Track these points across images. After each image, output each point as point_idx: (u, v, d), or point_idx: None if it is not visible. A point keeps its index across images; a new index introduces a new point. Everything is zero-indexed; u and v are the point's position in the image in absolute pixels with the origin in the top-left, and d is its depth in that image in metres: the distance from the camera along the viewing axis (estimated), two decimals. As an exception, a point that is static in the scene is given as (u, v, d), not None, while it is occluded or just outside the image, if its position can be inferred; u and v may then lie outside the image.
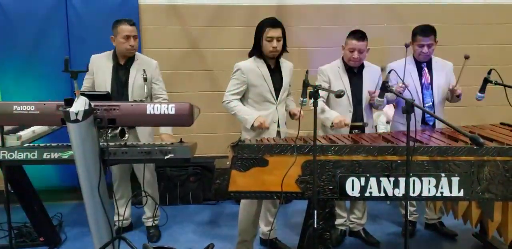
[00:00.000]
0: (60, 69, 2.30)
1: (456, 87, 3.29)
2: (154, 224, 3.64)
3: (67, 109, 2.24)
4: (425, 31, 3.30)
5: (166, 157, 2.39)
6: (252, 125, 3.04)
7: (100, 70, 3.39)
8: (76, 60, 4.13)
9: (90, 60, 3.45)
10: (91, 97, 2.34)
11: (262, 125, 3.01)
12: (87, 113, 2.26)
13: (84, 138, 2.28)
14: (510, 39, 4.79)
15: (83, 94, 2.32)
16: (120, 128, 3.01)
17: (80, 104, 2.26)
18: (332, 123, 3.12)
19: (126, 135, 3.03)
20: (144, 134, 3.42)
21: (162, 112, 2.34)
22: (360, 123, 3.26)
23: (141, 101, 3.06)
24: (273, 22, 3.06)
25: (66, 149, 2.42)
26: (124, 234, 3.54)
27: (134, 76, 3.40)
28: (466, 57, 3.08)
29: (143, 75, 3.19)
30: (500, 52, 4.77)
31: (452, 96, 3.37)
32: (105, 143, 2.39)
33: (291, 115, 3.25)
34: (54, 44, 4.20)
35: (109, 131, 3.05)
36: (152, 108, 2.35)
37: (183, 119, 2.36)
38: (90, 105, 2.29)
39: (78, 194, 2.40)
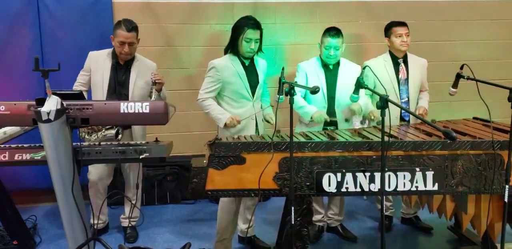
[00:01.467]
0: (31, 68, 2.25)
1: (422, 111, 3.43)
2: (130, 225, 3.59)
3: (39, 109, 2.19)
4: (400, 22, 3.43)
5: (141, 157, 2.35)
6: (225, 124, 3.05)
7: (98, 68, 3.32)
8: (49, 59, 4.10)
9: (88, 56, 3.37)
10: (64, 96, 2.29)
11: (233, 122, 3.02)
12: (59, 112, 2.21)
13: (56, 138, 2.23)
14: (481, 35, 4.89)
15: (55, 93, 2.27)
16: (116, 128, 3.01)
17: (52, 104, 2.21)
18: (311, 117, 3.15)
19: (120, 136, 3.04)
20: (137, 135, 3.41)
21: (137, 111, 2.30)
22: (337, 118, 3.29)
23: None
24: (254, 24, 3.06)
25: (38, 149, 2.36)
26: (101, 235, 3.51)
27: (135, 77, 3.36)
28: (433, 121, 3.18)
29: (152, 79, 3.22)
30: (472, 48, 4.86)
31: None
32: (79, 143, 2.34)
33: (265, 120, 3.31)
34: (26, 43, 4.10)
35: (103, 131, 3.05)
36: (126, 107, 2.31)
37: (158, 117, 2.33)
38: (62, 104, 2.25)
39: (53, 196, 2.35)
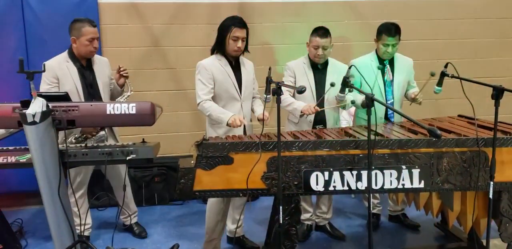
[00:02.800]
0: (16, 70, 2.23)
1: (418, 96, 3.38)
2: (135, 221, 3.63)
3: (24, 111, 2.17)
4: (391, 31, 3.32)
5: (128, 158, 2.34)
6: (227, 123, 2.96)
7: (66, 76, 3.17)
8: (34, 60, 4.06)
9: (47, 67, 3.03)
10: (49, 98, 2.28)
11: (236, 122, 2.93)
12: (45, 114, 2.19)
13: (42, 141, 2.21)
14: (465, 33, 4.95)
15: (40, 95, 2.25)
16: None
17: (37, 106, 2.19)
18: (301, 112, 3.16)
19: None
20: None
21: (123, 112, 2.29)
22: (326, 91, 3.28)
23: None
24: (241, 22, 3.06)
25: (23, 152, 2.34)
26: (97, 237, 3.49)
27: (101, 76, 3.32)
28: (432, 75, 3.18)
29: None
30: (457, 46, 4.92)
31: (412, 100, 3.46)
32: (65, 145, 2.32)
33: (260, 121, 3.23)
34: (10, 45, 4.06)
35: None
36: (112, 108, 2.30)
37: (144, 118, 2.32)
38: (48, 106, 2.23)
39: (39, 198, 2.33)
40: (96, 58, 3.36)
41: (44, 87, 3.14)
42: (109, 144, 2.55)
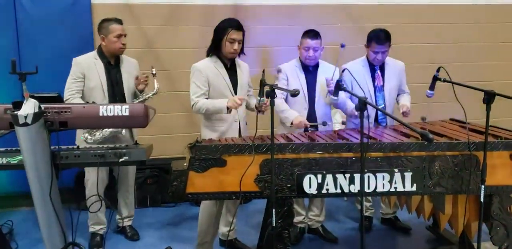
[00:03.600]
0: (8, 70, 2.21)
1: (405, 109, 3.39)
2: (129, 224, 3.65)
3: (16, 112, 2.16)
4: (381, 39, 3.32)
5: (120, 160, 2.33)
6: (227, 107, 2.94)
7: (92, 72, 3.27)
8: (26, 61, 4.02)
9: (75, 62, 3.28)
10: (41, 99, 2.26)
11: (235, 103, 2.91)
12: (37, 116, 2.18)
13: (34, 142, 2.20)
14: (456, 38, 4.99)
15: (32, 96, 2.23)
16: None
17: (29, 107, 2.18)
18: (291, 123, 3.18)
19: (123, 130, 3.14)
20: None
21: (116, 114, 2.28)
22: (318, 123, 3.30)
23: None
24: (238, 25, 3.07)
25: (15, 154, 2.32)
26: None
27: (127, 76, 3.38)
28: (423, 119, 3.25)
29: (152, 72, 3.30)
30: (448, 50, 4.96)
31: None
32: (57, 147, 2.31)
33: (258, 110, 3.15)
34: (2, 45, 4.03)
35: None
36: (105, 110, 2.28)
37: (137, 120, 2.31)
38: (40, 107, 2.21)
39: (30, 200, 2.31)
40: (125, 58, 3.44)
41: (69, 81, 3.28)
42: (102, 146, 2.53)
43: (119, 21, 3.32)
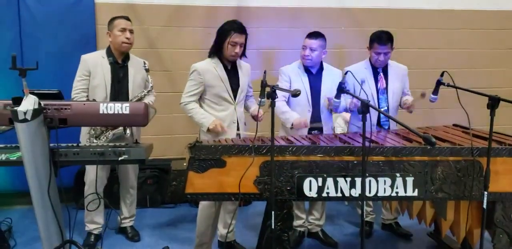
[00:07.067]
0: (9, 67, 2.20)
1: (411, 104, 3.39)
2: (131, 225, 3.64)
3: (15, 108, 2.14)
4: (382, 40, 3.32)
5: (120, 159, 2.31)
6: (208, 128, 3.04)
7: (98, 70, 3.28)
8: (28, 59, 4.02)
9: (83, 60, 3.29)
10: (42, 96, 2.25)
11: (217, 128, 3.01)
12: (36, 112, 2.17)
13: (33, 139, 2.18)
14: (462, 43, 4.97)
15: (32, 92, 2.22)
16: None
17: (29, 103, 2.17)
18: (292, 124, 3.16)
19: (128, 131, 3.12)
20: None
21: (116, 112, 2.27)
22: (320, 124, 3.28)
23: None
24: (240, 28, 3.06)
25: (14, 150, 2.30)
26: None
27: (134, 74, 3.36)
28: (423, 95, 3.20)
29: (144, 67, 3.26)
30: (453, 56, 4.94)
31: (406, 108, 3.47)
32: (56, 144, 2.29)
33: (254, 118, 3.24)
34: (5, 42, 4.04)
35: (110, 131, 3.10)
36: (105, 108, 2.27)
37: (137, 119, 2.30)
38: (39, 104, 2.20)
39: (29, 198, 2.29)
40: (134, 58, 3.44)
41: (76, 79, 3.30)
42: (102, 144, 2.51)
43: (126, 18, 3.34)
